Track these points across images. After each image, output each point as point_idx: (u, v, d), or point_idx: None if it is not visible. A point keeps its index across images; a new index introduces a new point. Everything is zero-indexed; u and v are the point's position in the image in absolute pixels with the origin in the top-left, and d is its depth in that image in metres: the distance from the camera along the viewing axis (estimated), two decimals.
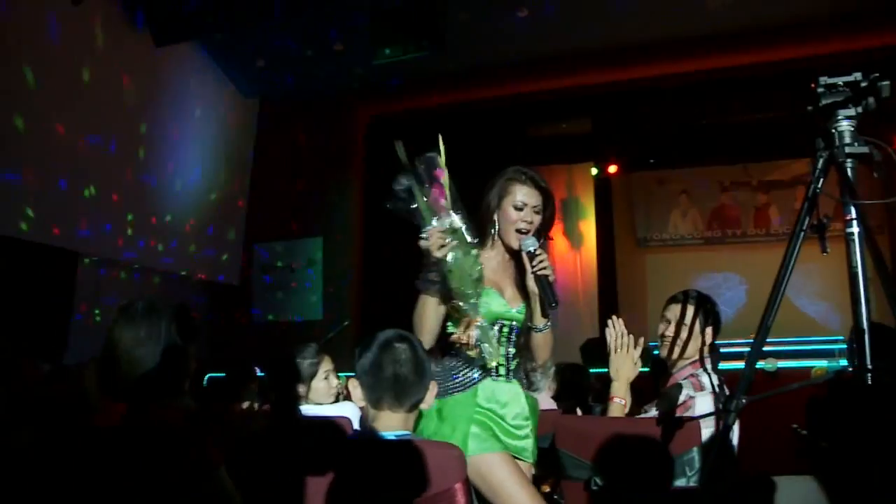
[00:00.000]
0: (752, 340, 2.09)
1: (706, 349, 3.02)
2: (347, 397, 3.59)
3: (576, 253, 11.40)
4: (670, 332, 3.09)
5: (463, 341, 2.56)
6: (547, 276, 2.60)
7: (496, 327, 2.67)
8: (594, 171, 11.42)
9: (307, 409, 3.28)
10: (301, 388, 3.47)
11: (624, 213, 12.07)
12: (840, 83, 1.99)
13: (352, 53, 8.16)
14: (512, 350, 2.71)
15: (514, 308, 2.73)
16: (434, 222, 2.60)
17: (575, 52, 8.64)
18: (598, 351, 4.11)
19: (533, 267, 2.61)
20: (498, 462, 2.47)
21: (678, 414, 2.76)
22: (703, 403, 2.77)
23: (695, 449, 2.44)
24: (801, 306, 10.70)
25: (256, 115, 9.61)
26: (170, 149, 8.12)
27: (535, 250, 2.64)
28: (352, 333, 8.89)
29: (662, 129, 10.62)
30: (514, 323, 2.73)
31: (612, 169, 11.40)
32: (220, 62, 8.75)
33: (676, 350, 3.03)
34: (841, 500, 2.12)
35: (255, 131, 9.60)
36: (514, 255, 2.78)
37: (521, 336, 2.74)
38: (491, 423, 2.56)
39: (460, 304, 2.53)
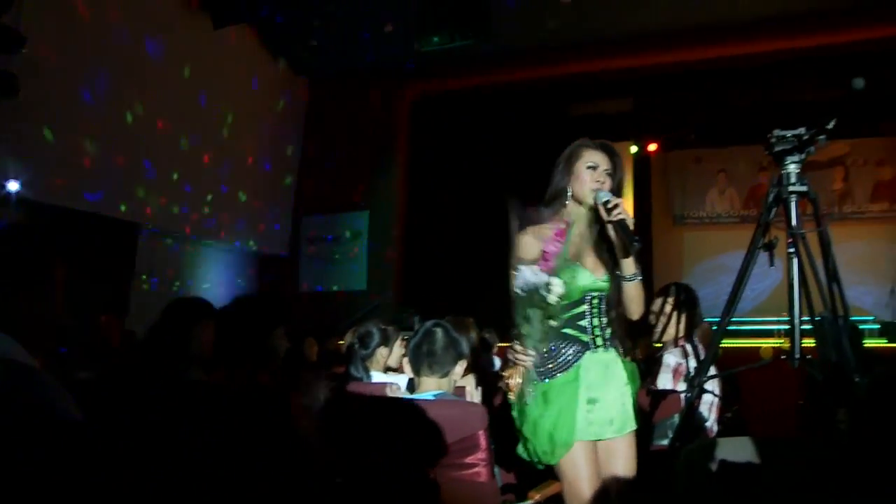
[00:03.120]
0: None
1: (682, 329, 3.72)
2: None
3: None
4: (652, 321, 3.78)
5: (511, 391, 2.64)
6: (624, 219, 2.59)
7: (587, 302, 2.71)
8: (633, 149, 11.97)
9: (376, 376, 3.97)
10: (374, 356, 4.09)
11: (661, 192, 12.64)
12: (789, 135, 2.62)
13: (400, 34, 8.72)
14: (605, 319, 2.73)
15: (599, 278, 2.73)
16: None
17: (617, 35, 9.15)
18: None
19: (609, 215, 2.61)
20: (580, 452, 2.57)
21: (676, 380, 3.51)
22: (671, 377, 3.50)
23: (676, 415, 3.12)
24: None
25: (307, 92, 10.31)
26: (225, 125, 8.83)
27: (609, 200, 2.63)
28: (393, 304, 9.65)
29: (703, 109, 11.17)
30: (602, 293, 2.73)
31: (652, 147, 11.96)
32: (274, 41, 9.41)
33: (656, 335, 3.74)
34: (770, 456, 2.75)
35: (305, 108, 10.31)
36: (591, 223, 2.80)
37: (611, 303, 2.76)
38: (590, 408, 2.63)
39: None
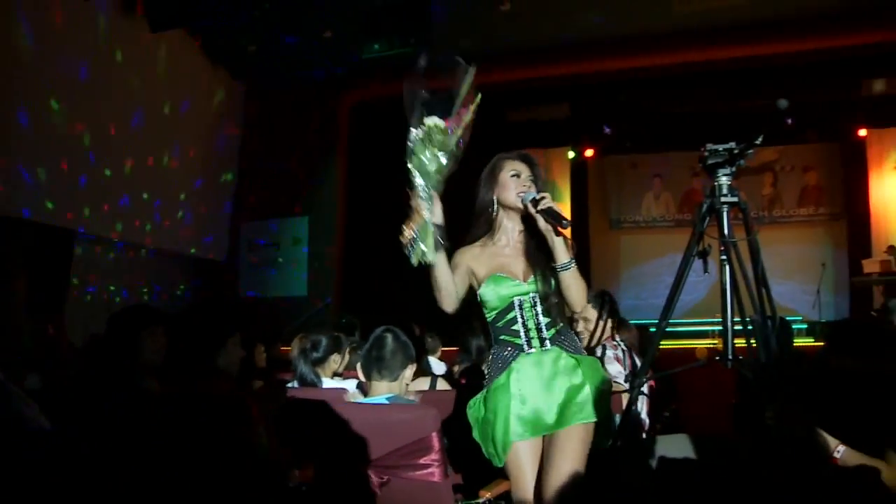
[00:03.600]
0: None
1: (608, 331, 4.02)
2: None
3: None
4: (581, 327, 4.02)
5: (405, 238, 2.66)
6: (551, 206, 2.66)
7: (516, 308, 2.77)
8: (570, 154, 12.25)
9: (327, 382, 4.03)
10: (322, 364, 4.16)
11: (598, 196, 12.97)
12: (720, 149, 2.81)
13: (339, 40, 8.84)
14: (544, 319, 2.77)
15: (525, 282, 2.78)
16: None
17: (555, 43, 9.38)
18: None
19: (536, 206, 2.67)
20: (521, 452, 2.66)
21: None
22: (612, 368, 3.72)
23: (616, 415, 3.28)
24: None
25: (245, 98, 10.31)
26: (162, 130, 8.77)
27: (535, 196, 2.70)
28: (333, 309, 9.72)
29: (638, 116, 11.52)
30: (531, 294, 2.77)
31: (589, 153, 12.26)
32: (212, 47, 9.38)
33: (584, 341, 4.00)
34: (708, 454, 2.94)
35: (244, 114, 10.31)
36: (521, 230, 2.88)
37: (550, 301, 2.78)
38: (523, 408, 2.69)
39: (416, 194, 2.65)
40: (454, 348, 5.93)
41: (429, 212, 2.65)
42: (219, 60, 9.64)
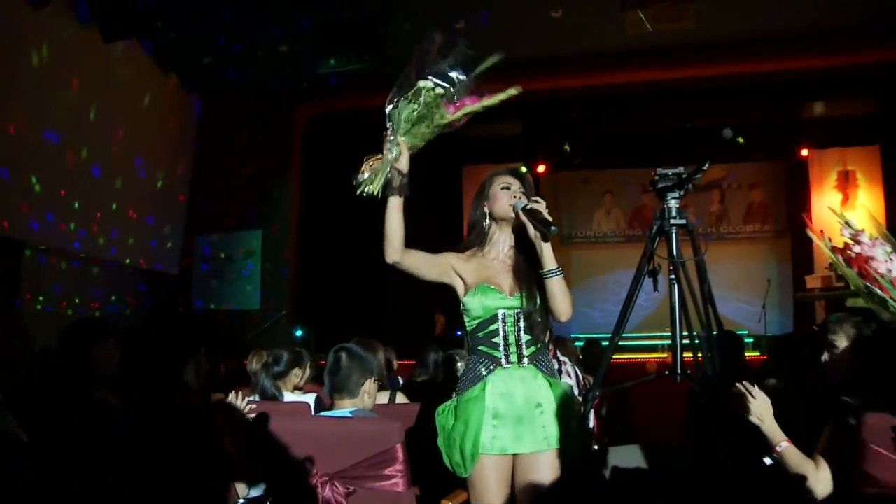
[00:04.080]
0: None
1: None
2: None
3: None
4: None
5: (364, 172, 2.68)
6: (538, 208, 2.72)
7: (499, 321, 2.80)
8: (523, 170, 12.44)
9: (287, 396, 4.11)
10: (283, 378, 4.21)
11: (550, 212, 13.17)
12: (670, 173, 2.98)
13: (295, 54, 8.93)
14: (525, 336, 2.80)
15: (511, 296, 2.82)
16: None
17: (507, 61, 9.56)
18: None
19: (525, 212, 2.74)
20: (488, 465, 2.68)
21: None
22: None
23: None
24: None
25: (199, 110, 10.31)
26: (113, 141, 8.70)
27: (527, 203, 2.76)
28: (287, 322, 9.78)
29: (590, 133, 11.81)
30: (516, 310, 2.80)
31: (541, 169, 12.50)
32: (165, 57, 9.34)
33: None
34: (659, 464, 3.10)
35: (197, 125, 10.31)
36: (511, 245, 2.92)
37: (534, 318, 2.82)
38: (496, 422, 2.71)
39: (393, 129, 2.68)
40: (409, 361, 6.06)
41: (392, 154, 2.68)
42: (172, 71, 9.62)
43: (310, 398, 4.01)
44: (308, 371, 4.48)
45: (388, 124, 2.70)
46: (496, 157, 12.14)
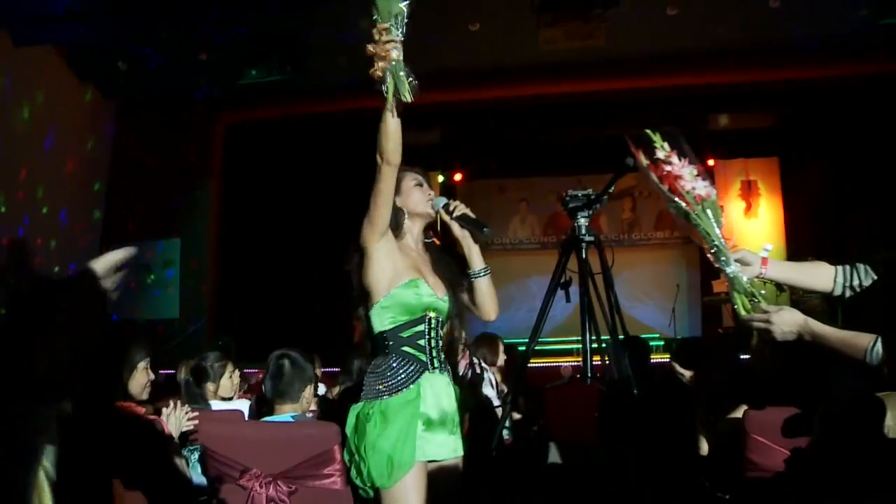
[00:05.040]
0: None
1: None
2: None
3: None
4: None
5: (377, 73, 2.67)
6: (466, 212, 2.81)
7: (426, 322, 2.77)
8: (440, 178, 12.84)
9: (215, 404, 4.29)
10: (211, 386, 4.43)
11: None
12: (580, 194, 3.32)
13: (215, 63, 9.02)
14: (440, 343, 2.80)
15: (440, 296, 2.80)
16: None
17: (425, 71, 9.85)
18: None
19: (450, 214, 2.81)
20: (415, 474, 2.58)
21: None
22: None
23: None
24: (627, 307, 12.55)
25: (116, 117, 10.28)
26: (26, 147, 8.63)
27: (447, 202, 2.84)
28: (207, 332, 9.86)
29: (505, 142, 12.25)
30: (440, 314, 2.81)
31: (458, 177, 12.90)
32: (80, 64, 9.31)
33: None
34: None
35: (114, 133, 10.27)
36: (423, 239, 2.97)
37: (453, 322, 2.87)
38: (424, 428, 2.66)
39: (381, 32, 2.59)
40: (332, 369, 6.27)
41: (397, 51, 2.67)
42: (87, 77, 9.57)
43: (242, 405, 4.22)
44: (237, 380, 4.67)
45: (375, 16, 2.58)
46: (414, 164, 12.49)
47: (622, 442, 3.37)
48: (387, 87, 2.67)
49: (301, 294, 11.30)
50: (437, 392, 2.74)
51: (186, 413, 3.40)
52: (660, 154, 2.62)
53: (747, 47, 9.28)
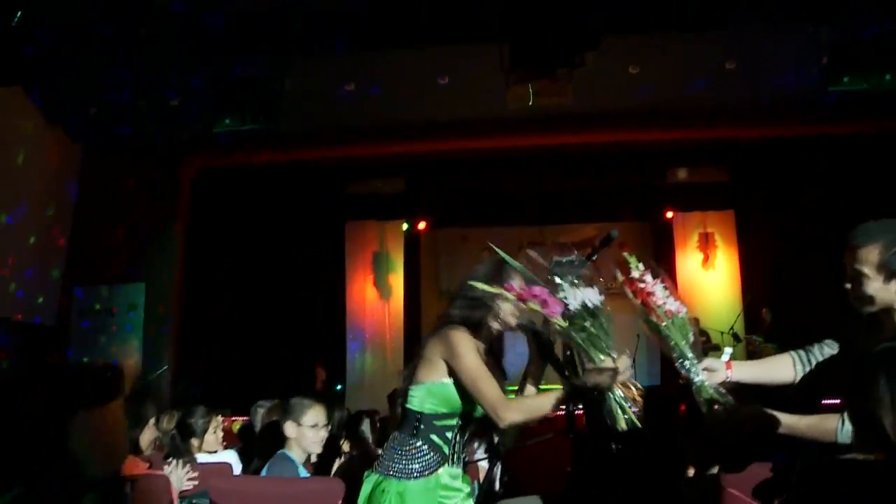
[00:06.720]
0: None
1: None
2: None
3: (384, 303, 12.97)
4: None
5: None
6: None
7: (458, 417, 2.87)
8: (405, 227, 13.12)
9: (200, 457, 4.38)
10: (195, 442, 4.51)
11: (430, 267, 13.87)
12: (564, 261, 3.59)
13: (186, 109, 9.15)
14: (464, 437, 2.92)
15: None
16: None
17: (394, 122, 10.19)
18: None
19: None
20: None
21: None
22: None
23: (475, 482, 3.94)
24: None
25: (83, 160, 10.33)
26: None
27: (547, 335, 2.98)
28: (171, 377, 9.91)
29: (470, 192, 12.60)
30: (473, 414, 2.88)
31: (422, 226, 13.20)
32: (49, 106, 9.32)
33: None
34: None
35: (79, 176, 10.32)
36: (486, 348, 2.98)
37: (476, 431, 3.01)
38: None
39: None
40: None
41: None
42: (55, 120, 9.63)
43: (230, 456, 4.37)
44: (220, 434, 4.76)
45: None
46: (379, 213, 12.81)
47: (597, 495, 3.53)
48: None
49: (266, 341, 11.42)
50: (451, 485, 2.83)
51: (188, 472, 3.53)
52: (634, 273, 3.03)
53: (705, 105, 9.74)
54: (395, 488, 2.71)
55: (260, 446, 4.26)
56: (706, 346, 10.56)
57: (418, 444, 2.80)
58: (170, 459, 3.60)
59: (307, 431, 3.58)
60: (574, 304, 2.93)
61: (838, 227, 2.67)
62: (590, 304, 2.96)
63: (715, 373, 2.81)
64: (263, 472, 3.49)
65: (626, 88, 9.17)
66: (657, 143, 10.89)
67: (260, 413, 5.00)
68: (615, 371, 2.79)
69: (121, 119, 9.53)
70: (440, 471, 2.79)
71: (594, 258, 3.53)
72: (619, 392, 2.81)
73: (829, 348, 2.90)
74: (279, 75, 8.73)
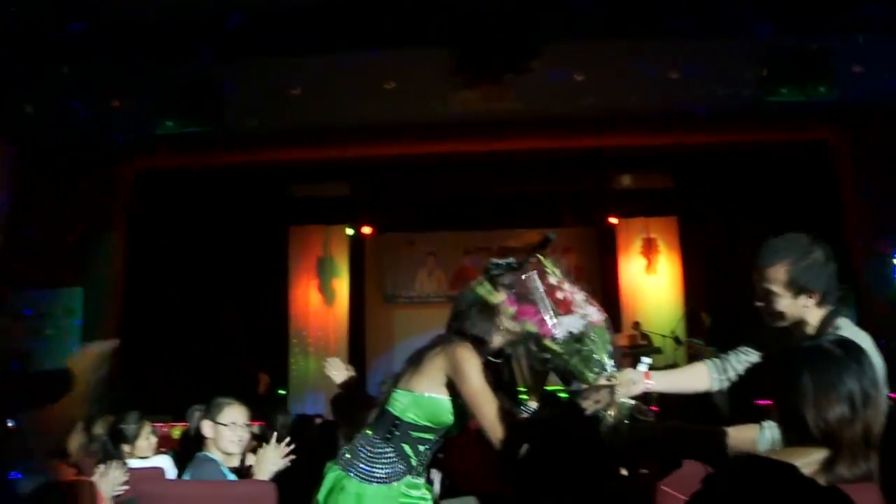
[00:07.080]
0: None
1: None
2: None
3: (328, 308, 12.93)
4: None
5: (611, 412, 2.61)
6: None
7: (437, 437, 2.84)
8: (350, 231, 13.09)
9: (132, 463, 4.31)
10: (126, 448, 4.43)
11: (375, 272, 13.86)
12: (503, 263, 3.62)
13: (128, 110, 9.04)
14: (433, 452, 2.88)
15: (464, 421, 2.87)
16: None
17: (339, 125, 10.17)
18: (347, 405, 4.61)
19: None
20: None
21: None
22: None
23: None
24: None
25: (16, 161, 10.11)
26: None
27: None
28: (107, 383, 9.72)
29: (415, 197, 12.62)
30: (449, 433, 2.88)
31: (367, 230, 13.17)
32: None
33: None
34: None
35: (13, 178, 10.09)
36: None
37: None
38: None
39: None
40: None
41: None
42: None
43: (163, 461, 4.31)
44: (153, 440, 4.70)
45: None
46: (323, 217, 12.77)
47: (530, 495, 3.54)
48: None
49: (208, 346, 11.29)
50: (412, 494, 2.79)
51: (119, 477, 3.47)
52: (552, 280, 2.80)
53: (649, 112, 9.91)
54: (354, 489, 2.70)
55: (187, 450, 4.22)
56: (647, 349, 10.73)
57: (387, 450, 2.77)
58: (100, 466, 3.52)
59: (224, 430, 3.51)
60: (561, 334, 2.69)
61: (778, 234, 2.73)
62: (575, 331, 2.68)
63: (635, 385, 2.72)
64: (186, 476, 3.45)
65: (572, 95, 9.27)
66: (602, 149, 11.02)
67: (196, 416, 4.95)
68: (612, 389, 2.61)
69: (58, 120, 9.35)
70: (403, 481, 2.76)
71: (533, 260, 3.53)
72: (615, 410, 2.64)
73: (745, 355, 2.96)
74: (222, 77, 8.66)
